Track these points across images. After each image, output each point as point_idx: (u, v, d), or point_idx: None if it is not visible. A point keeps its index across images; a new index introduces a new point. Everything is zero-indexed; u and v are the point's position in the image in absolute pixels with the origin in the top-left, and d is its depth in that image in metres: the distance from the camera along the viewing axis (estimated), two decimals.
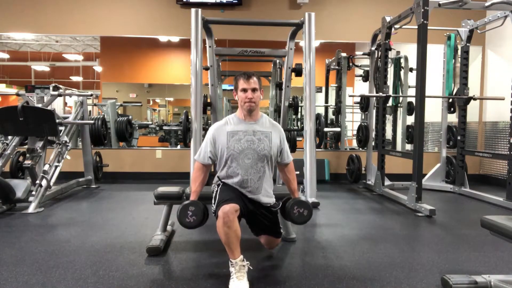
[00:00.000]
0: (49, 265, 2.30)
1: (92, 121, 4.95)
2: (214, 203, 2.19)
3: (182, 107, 10.09)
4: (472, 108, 5.19)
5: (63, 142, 4.28)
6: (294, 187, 2.46)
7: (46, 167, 3.96)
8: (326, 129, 6.32)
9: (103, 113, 6.74)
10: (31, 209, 3.63)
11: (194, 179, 2.34)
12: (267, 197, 2.35)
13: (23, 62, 11.38)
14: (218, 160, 2.33)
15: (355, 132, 6.05)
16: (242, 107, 2.30)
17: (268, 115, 6.59)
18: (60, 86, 4.66)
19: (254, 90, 2.26)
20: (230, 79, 5.69)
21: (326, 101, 7.15)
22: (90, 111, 6.41)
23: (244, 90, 2.26)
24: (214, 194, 2.26)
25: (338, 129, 6.44)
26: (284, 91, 4.41)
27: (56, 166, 4.12)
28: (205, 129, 4.38)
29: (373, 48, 5.08)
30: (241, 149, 2.25)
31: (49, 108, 4.26)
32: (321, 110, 7.09)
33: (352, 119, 7.84)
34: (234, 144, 2.25)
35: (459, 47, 4.89)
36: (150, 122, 9.20)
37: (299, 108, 6.77)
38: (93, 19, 5.74)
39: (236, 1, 5.77)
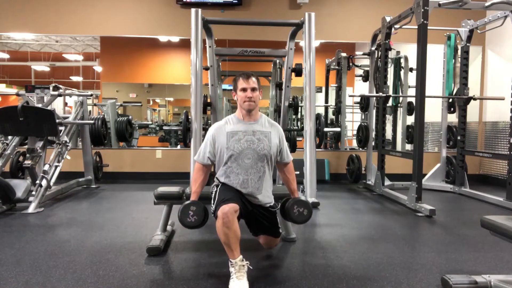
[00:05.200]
0: (49, 265, 2.30)
1: (92, 121, 4.95)
2: (213, 203, 2.20)
3: (182, 107, 10.10)
4: (472, 108, 5.19)
5: (63, 142, 4.28)
6: (294, 187, 2.47)
7: (46, 167, 3.96)
8: (326, 129, 6.31)
9: (103, 113, 6.74)
10: (31, 209, 3.63)
11: (195, 180, 2.35)
12: (267, 197, 2.36)
13: (23, 62, 11.38)
14: (217, 160, 2.34)
15: (355, 132, 6.05)
16: (242, 106, 2.31)
17: (268, 115, 6.61)
18: (60, 86, 4.65)
19: (253, 89, 2.28)
20: (230, 79, 5.67)
21: (326, 101, 7.15)
22: (90, 111, 6.41)
23: (244, 90, 2.27)
24: (213, 195, 2.26)
25: (338, 129, 6.44)
26: (284, 91, 4.42)
27: (56, 166, 4.12)
28: (205, 129, 4.38)
29: (373, 48, 5.08)
30: (241, 149, 2.25)
31: (49, 108, 4.26)
32: (321, 110, 7.08)
33: (352, 119, 7.83)
34: (234, 144, 2.26)
35: (459, 47, 4.89)
36: (150, 122, 9.20)
37: (299, 108, 6.77)
38: (93, 19, 5.74)
39: (236, 1, 5.77)
